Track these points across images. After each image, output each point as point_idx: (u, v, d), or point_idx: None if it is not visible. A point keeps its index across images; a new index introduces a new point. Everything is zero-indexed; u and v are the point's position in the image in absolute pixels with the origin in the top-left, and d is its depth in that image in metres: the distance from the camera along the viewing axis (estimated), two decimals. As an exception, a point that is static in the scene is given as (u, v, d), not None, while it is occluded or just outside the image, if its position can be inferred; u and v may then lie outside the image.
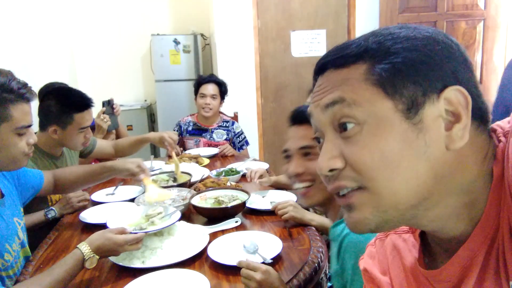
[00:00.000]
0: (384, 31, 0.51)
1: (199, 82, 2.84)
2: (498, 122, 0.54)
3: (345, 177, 0.49)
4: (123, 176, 1.70)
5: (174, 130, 2.93)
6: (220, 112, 2.97)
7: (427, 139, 0.47)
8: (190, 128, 2.88)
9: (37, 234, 1.53)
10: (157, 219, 1.36)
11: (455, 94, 0.47)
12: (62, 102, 1.73)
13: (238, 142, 2.87)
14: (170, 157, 2.23)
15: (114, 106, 2.53)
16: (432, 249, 0.57)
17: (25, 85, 1.21)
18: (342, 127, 0.49)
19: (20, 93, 1.18)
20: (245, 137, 2.91)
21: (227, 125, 2.87)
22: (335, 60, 0.52)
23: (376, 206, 0.48)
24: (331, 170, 0.50)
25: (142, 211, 1.45)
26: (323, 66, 0.54)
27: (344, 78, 0.50)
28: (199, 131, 2.86)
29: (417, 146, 0.47)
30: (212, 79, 2.84)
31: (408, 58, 0.48)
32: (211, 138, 2.84)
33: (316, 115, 0.54)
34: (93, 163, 2.43)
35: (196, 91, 2.83)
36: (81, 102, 1.78)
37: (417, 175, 0.47)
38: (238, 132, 2.88)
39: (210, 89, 2.77)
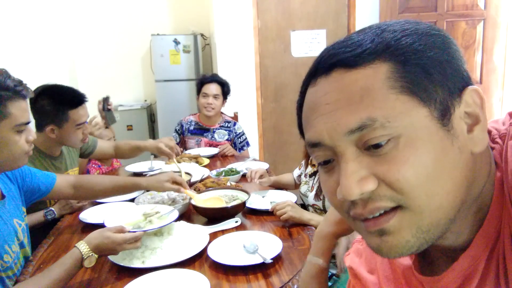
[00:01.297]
0: (394, 26, 0.45)
1: (202, 82, 2.83)
2: (491, 123, 0.52)
3: (380, 197, 0.43)
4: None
5: (176, 129, 2.94)
6: (221, 113, 2.97)
7: (460, 145, 0.43)
8: (192, 128, 2.89)
9: (37, 234, 1.53)
10: (155, 218, 1.36)
11: (471, 95, 0.44)
12: (55, 101, 1.72)
13: (239, 143, 2.87)
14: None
15: (109, 103, 2.64)
16: (430, 255, 0.54)
17: (20, 82, 1.21)
18: (371, 146, 0.42)
19: (17, 90, 1.18)
20: (246, 138, 2.91)
21: (228, 125, 2.87)
22: (346, 59, 0.44)
23: (419, 226, 0.43)
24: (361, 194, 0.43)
25: (139, 210, 1.45)
26: (328, 66, 0.45)
27: (363, 86, 0.42)
28: (200, 130, 2.86)
29: (453, 154, 0.43)
30: (215, 79, 2.83)
31: (433, 58, 0.43)
32: (213, 138, 2.84)
33: (331, 139, 0.44)
34: (91, 163, 2.44)
35: (199, 90, 2.83)
36: (74, 98, 1.77)
37: (456, 186, 0.43)
38: (239, 133, 2.87)
39: (212, 88, 2.76)
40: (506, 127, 0.49)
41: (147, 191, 1.77)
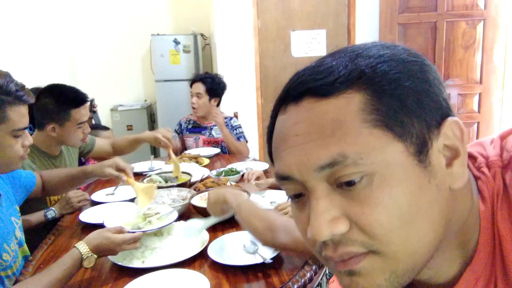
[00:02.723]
0: (370, 50, 0.42)
1: (190, 82, 2.86)
2: (475, 147, 0.49)
3: (351, 241, 0.40)
4: (107, 178, 1.68)
5: (175, 130, 2.95)
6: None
7: (438, 183, 0.41)
8: (190, 126, 2.90)
9: (37, 234, 1.53)
10: (155, 218, 1.36)
11: (451, 127, 0.41)
12: (58, 99, 1.74)
13: (235, 134, 2.84)
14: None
15: (94, 105, 2.79)
16: None
17: (23, 87, 1.21)
18: (342, 183, 0.40)
19: (18, 95, 1.18)
20: (243, 132, 2.87)
21: (225, 121, 2.85)
22: (318, 87, 0.41)
23: (392, 271, 0.40)
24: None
25: (139, 210, 1.44)
26: (298, 94, 0.42)
27: (335, 118, 0.39)
28: (198, 129, 2.87)
29: (431, 193, 0.40)
30: (199, 77, 2.80)
31: (410, 88, 0.40)
32: (211, 135, 2.84)
33: (300, 175, 0.41)
34: (90, 163, 2.44)
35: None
36: (77, 97, 1.79)
37: (433, 226, 0.40)
38: (235, 126, 2.84)
39: (195, 87, 2.75)
40: (496, 155, 0.46)
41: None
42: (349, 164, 0.38)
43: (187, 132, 2.90)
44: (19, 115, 1.19)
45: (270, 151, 0.49)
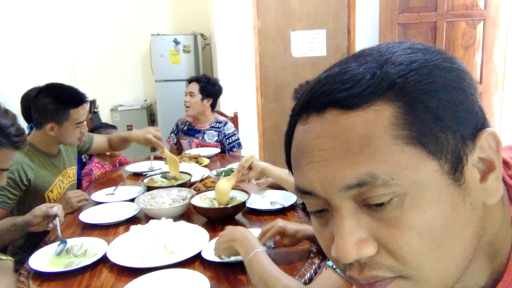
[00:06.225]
0: (399, 55, 0.38)
1: (187, 83, 2.87)
2: (507, 152, 0.45)
3: (379, 265, 0.38)
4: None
5: (173, 130, 2.97)
6: (219, 112, 2.96)
7: (472, 201, 0.38)
8: (185, 128, 2.89)
9: (37, 234, 1.53)
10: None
11: (487, 140, 0.38)
12: (57, 99, 1.74)
13: (227, 144, 2.79)
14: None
15: (96, 105, 2.80)
16: None
17: (22, 134, 1.22)
18: (371, 204, 0.37)
19: (13, 140, 1.19)
20: (237, 139, 2.82)
21: (219, 126, 2.83)
22: (343, 99, 0.37)
23: None
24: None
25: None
26: (321, 105, 0.38)
27: (363, 134, 0.36)
28: (192, 131, 2.86)
29: (465, 212, 0.37)
30: (194, 78, 2.83)
31: (445, 100, 0.36)
32: (203, 140, 2.81)
33: (325, 192, 0.39)
34: (92, 161, 2.45)
35: None
36: (76, 97, 1.79)
37: (466, 246, 0.38)
38: (228, 134, 2.79)
39: (189, 87, 2.78)
40: None
41: (147, 191, 1.77)
42: (379, 185, 0.36)
43: (182, 134, 2.90)
44: (5, 157, 1.20)
45: (288, 159, 0.46)
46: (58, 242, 1.37)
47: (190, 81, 2.84)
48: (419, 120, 0.36)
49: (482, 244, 0.41)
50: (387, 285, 0.38)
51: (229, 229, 1.18)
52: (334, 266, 0.76)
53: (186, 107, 2.77)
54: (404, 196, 0.36)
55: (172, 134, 2.98)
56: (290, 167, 0.45)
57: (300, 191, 0.42)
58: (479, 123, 0.38)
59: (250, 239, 1.11)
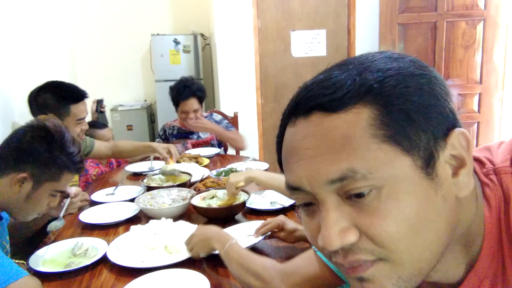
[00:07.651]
0: (377, 63, 0.43)
1: (177, 100, 2.63)
2: (482, 151, 0.50)
3: (361, 250, 0.42)
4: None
5: (159, 135, 2.88)
6: (216, 111, 2.96)
7: (444, 193, 0.42)
8: (175, 132, 2.83)
9: (37, 234, 1.53)
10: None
11: (458, 138, 0.43)
12: (58, 95, 1.76)
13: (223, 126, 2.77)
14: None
15: (102, 105, 2.78)
16: None
17: (83, 160, 1.29)
18: (352, 195, 0.42)
19: (78, 167, 1.25)
20: (228, 122, 2.82)
21: (207, 118, 2.78)
22: (326, 103, 0.42)
23: (399, 276, 0.42)
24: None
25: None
26: (307, 108, 0.43)
27: (344, 134, 0.40)
28: (184, 134, 2.81)
29: (437, 203, 0.42)
30: (192, 92, 2.60)
31: (418, 103, 0.41)
32: (199, 137, 2.80)
33: (311, 187, 0.43)
34: (86, 160, 2.45)
35: (176, 105, 2.66)
36: (77, 93, 1.81)
37: (439, 234, 0.42)
38: (218, 120, 2.79)
39: (190, 104, 2.59)
40: (505, 160, 0.46)
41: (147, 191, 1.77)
42: (359, 178, 0.40)
43: (173, 138, 2.82)
44: (67, 181, 1.25)
45: (279, 160, 0.50)
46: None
47: (182, 98, 2.60)
48: (394, 121, 0.40)
49: (457, 235, 0.45)
50: (368, 268, 0.42)
51: (201, 229, 1.23)
52: (317, 250, 0.82)
53: (197, 127, 2.63)
54: (381, 188, 0.40)
55: (158, 139, 2.86)
56: (281, 167, 0.50)
57: (290, 188, 0.46)
58: (450, 124, 0.43)
59: (224, 234, 1.16)
